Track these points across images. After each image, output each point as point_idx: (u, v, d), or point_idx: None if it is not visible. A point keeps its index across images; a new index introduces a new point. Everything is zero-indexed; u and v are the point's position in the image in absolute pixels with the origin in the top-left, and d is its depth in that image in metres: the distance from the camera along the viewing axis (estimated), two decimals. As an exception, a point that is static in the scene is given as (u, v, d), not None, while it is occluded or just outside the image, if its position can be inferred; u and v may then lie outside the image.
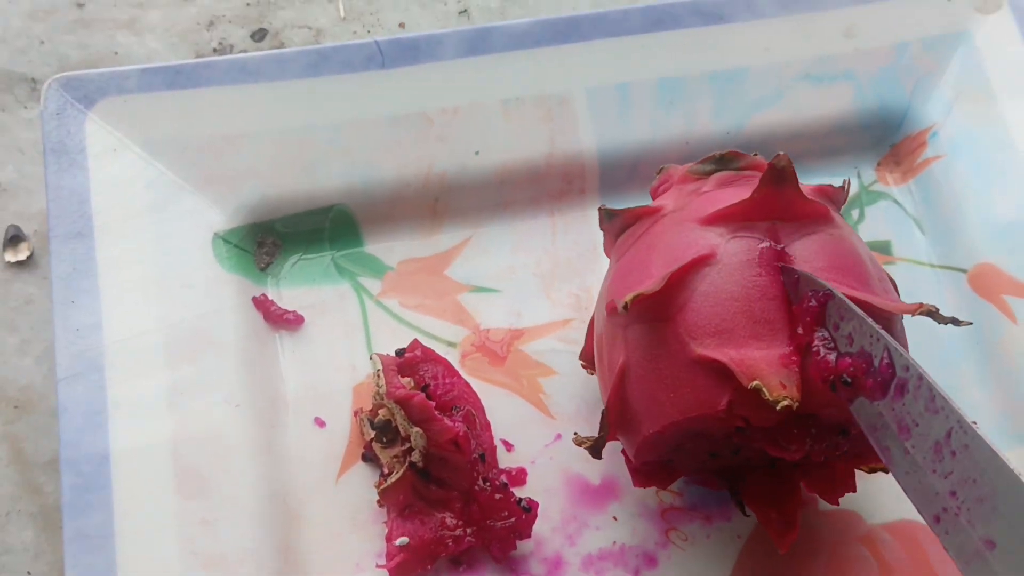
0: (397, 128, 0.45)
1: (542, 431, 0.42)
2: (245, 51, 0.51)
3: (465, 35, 0.46)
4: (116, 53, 0.50)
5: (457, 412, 0.40)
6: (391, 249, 0.45)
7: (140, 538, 0.37)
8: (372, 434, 0.40)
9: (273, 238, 0.44)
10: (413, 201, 0.45)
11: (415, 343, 0.42)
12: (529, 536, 0.40)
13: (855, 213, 0.47)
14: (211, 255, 0.42)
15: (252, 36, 0.51)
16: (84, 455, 0.38)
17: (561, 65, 0.46)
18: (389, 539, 0.39)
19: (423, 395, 0.39)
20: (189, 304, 0.41)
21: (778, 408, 0.31)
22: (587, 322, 0.42)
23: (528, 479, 0.41)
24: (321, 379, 0.42)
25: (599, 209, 0.39)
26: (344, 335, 0.43)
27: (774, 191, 0.34)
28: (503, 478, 0.40)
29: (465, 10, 0.53)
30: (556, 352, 0.44)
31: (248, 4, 0.52)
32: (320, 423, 0.42)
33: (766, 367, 0.32)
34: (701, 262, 0.34)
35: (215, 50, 0.51)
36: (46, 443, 0.42)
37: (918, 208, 0.47)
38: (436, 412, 0.39)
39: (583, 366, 0.42)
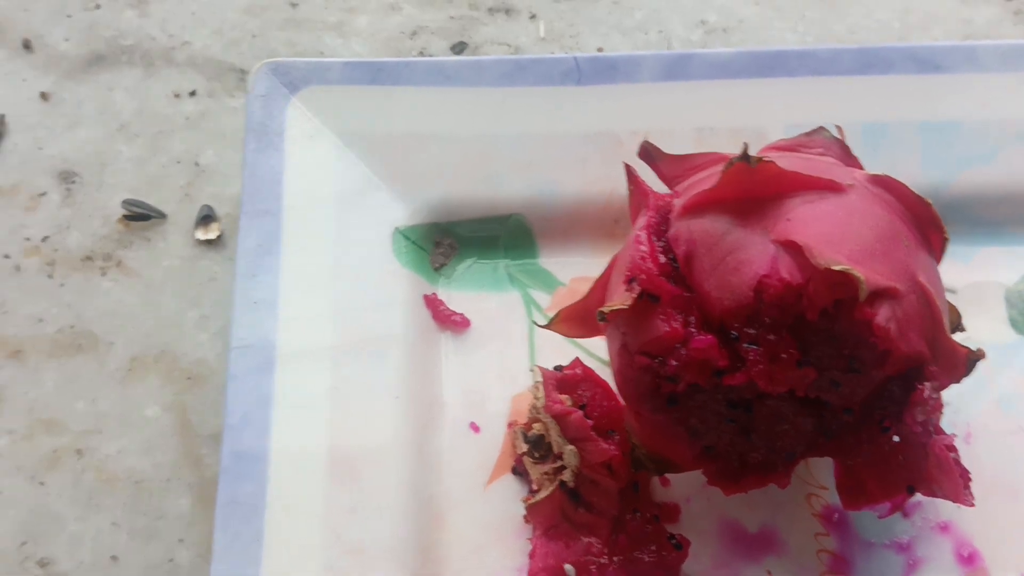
0: (585, 146, 0.44)
1: (701, 469, 0.40)
2: (443, 61, 0.52)
3: (664, 59, 0.45)
4: (322, 53, 0.52)
5: (613, 437, 0.39)
6: (565, 265, 0.44)
7: (288, 514, 0.37)
8: (524, 448, 0.39)
9: (450, 239, 0.44)
10: (593, 220, 0.44)
11: (576, 361, 0.40)
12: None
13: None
14: (389, 249, 0.43)
15: (452, 48, 0.52)
16: (246, 423, 0.38)
17: (762, 98, 0.45)
18: (532, 556, 0.38)
19: (581, 413, 0.38)
20: (363, 293, 0.41)
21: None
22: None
23: (681, 517, 0.39)
24: (480, 385, 0.42)
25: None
26: (508, 344, 0.43)
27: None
28: (655, 511, 0.38)
29: (667, 40, 0.52)
30: (725, 390, 0.41)
31: (452, 17, 0.53)
32: (475, 428, 0.41)
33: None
34: (832, 187, 0.35)
35: (415, 58, 0.52)
36: (212, 417, 0.43)
37: None
38: (593, 432, 0.37)
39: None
